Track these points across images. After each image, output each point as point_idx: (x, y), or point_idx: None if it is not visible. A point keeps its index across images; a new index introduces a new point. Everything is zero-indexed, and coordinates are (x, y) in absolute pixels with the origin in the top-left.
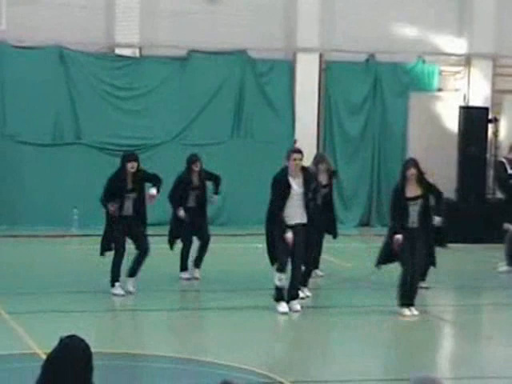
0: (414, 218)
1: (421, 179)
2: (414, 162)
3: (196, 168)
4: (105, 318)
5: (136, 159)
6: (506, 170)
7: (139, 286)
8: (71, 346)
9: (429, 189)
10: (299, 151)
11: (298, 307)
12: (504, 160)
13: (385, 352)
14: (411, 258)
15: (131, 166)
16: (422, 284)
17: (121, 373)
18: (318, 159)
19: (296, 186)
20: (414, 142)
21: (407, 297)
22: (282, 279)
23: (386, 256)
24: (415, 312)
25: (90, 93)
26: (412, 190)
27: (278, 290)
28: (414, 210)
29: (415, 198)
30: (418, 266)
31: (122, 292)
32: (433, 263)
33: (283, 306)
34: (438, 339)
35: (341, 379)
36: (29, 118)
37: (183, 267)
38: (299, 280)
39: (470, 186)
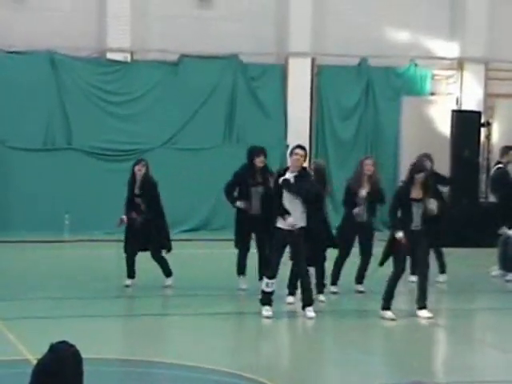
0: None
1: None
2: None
3: (260, 164)
4: (95, 324)
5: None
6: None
7: (127, 291)
8: (61, 351)
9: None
10: (301, 147)
11: (312, 314)
12: (502, 166)
13: (376, 357)
14: (415, 262)
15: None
16: (359, 287)
17: (107, 378)
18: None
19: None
20: (407, 146)
21: (390, 300)
22: (270, 284)
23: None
24: (429, 314)
25: (81, 98)
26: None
27: (266, 294)
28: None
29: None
30: (423, 268)
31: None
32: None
33: (267, 310)
34: (430, 344)
35: None
36: (19, 123)
37: (243, 271)
38: (309, 286)
39: (463, 190)
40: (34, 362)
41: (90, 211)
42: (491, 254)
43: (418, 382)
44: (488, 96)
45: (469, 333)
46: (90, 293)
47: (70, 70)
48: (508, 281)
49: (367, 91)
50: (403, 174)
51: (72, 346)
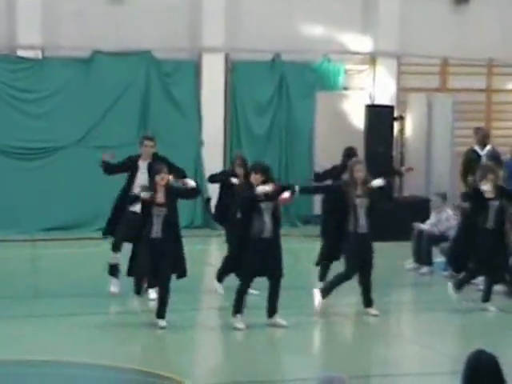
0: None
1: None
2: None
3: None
4: None
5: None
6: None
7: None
8: None
9: None
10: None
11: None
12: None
13: (292, 352)
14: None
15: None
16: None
17: None
18: (486, 170)
19: None
20: (321, 142)
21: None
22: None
23: None
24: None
25: None
26: None
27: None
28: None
29: None
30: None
31: None
32: None
33: (114, 284)
34: (345, 338)
35: (232, 380)
36: None
37: None
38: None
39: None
40: None
41: (2, 210)
42: (406, 248)
43: (332, 376)
44: (400, 90)
45: (383, 327)
46: None
47: None
48: (422, 274)
49: (281, 87)
50: (317, 169)
51: None
